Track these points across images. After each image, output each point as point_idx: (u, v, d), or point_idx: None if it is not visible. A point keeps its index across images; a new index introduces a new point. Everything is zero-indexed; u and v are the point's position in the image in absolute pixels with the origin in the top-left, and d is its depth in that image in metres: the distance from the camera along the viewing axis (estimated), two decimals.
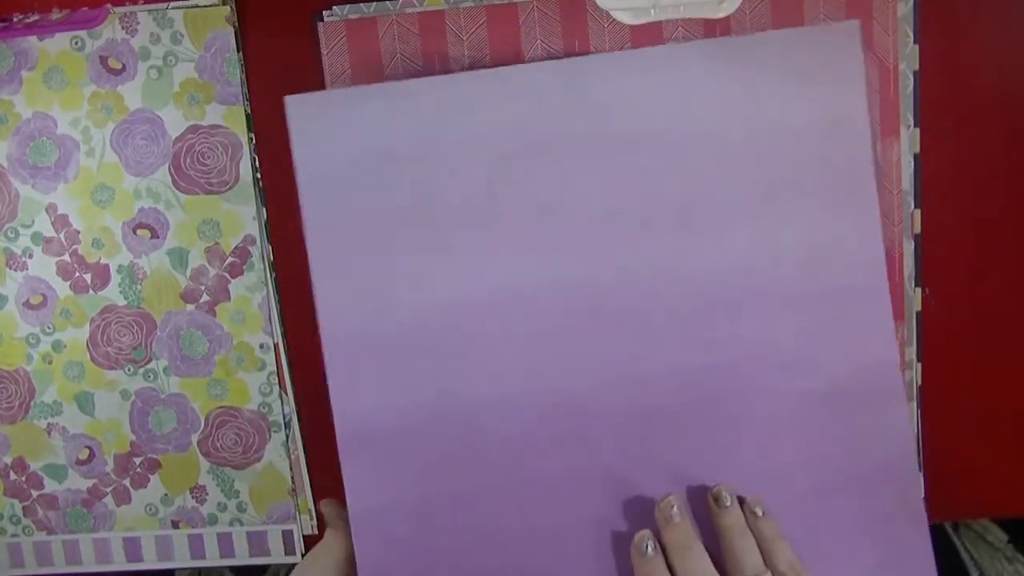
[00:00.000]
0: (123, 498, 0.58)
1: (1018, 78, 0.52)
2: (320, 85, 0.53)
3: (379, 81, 0.52)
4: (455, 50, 0.52)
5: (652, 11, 0.49)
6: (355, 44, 0.52)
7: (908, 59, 0.52)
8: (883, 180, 0.53)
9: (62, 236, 0.55)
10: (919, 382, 0.55)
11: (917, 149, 0.53)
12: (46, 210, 0.55)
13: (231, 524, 0.58)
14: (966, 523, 0.65)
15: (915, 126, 0.53)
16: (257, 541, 0.58)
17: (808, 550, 0.43)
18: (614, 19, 0.50)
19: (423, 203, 0.44)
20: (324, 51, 0.52)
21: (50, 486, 0.58)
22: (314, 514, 0.58)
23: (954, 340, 0.55)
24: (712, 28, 0.52)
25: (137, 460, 0.58)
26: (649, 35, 0.52)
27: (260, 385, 0.56)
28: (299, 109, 0.44)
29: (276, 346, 0.56)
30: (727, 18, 0.51)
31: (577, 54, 0.52)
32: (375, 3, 0.52)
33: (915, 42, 0.52)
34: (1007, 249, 0.54)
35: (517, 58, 0.52)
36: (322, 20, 0.52)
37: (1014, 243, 0.54)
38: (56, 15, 0.53)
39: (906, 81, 0.52)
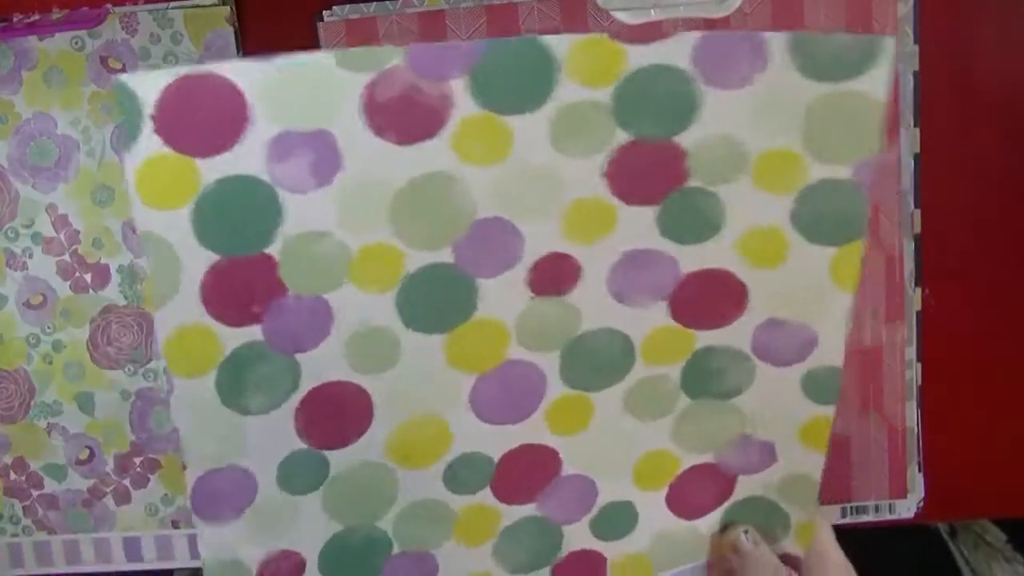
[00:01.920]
0: (123, 498, 0.58)
1: (1018, 78, 0.52)
2: None
3: None
4: None
5: (652, 11, 0.49)
6: (355, 44, 0.52)
7: (908, 59, 0.52)
8: (883, 180, 0.53)
9: (62, 236, 0.55)
10: (919, 382, 0.55)
11: (917, 149, 0.53)
12: (46, 210, 0.55)
13: None
14: (964, 525, 0.65)
15: (915, 126, 0.53)
16: None
17: None
18: (614, 19, 0.50)
19: None
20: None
21: (50, 486, 0.58)
22: None
23: (954, 340, 0.55)
24: (712, 28, 0.52)
25: (137, 460, 0.58)
26: (649, 35, 0.52)
27: None
28: None
29: None
30: (727, 18, 0.51)
31: None
32: (375, 3, 0.52)
33: (915, 42, 0.52)
34: (1007, 249, 0.54)
35: None
36: (322, 20, 0.52)
37: (1014, 243, 0.54)
38: (56, 15, 0.53)
39: (906, 81, 0.52)
